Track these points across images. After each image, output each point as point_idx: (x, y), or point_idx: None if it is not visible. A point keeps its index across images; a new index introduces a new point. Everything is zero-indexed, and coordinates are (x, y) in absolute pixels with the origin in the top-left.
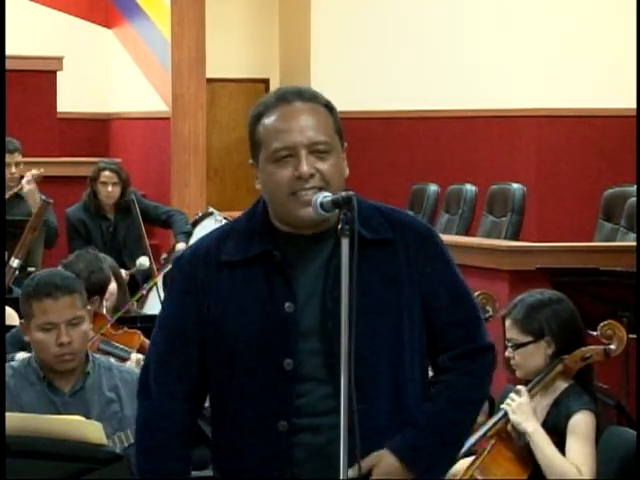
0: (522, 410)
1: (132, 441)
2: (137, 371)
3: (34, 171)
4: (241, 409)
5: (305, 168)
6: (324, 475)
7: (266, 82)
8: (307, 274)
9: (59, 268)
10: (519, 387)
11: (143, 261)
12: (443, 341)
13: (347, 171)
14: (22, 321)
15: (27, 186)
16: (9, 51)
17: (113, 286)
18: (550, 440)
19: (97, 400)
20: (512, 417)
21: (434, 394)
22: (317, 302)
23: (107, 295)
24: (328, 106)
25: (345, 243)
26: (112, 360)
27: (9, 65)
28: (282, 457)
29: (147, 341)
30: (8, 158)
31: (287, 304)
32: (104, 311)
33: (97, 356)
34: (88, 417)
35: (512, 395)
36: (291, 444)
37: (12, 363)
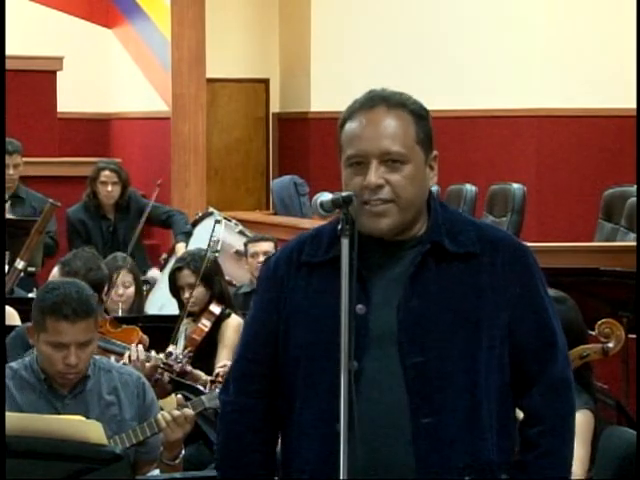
0: None
1: (134, 442)
2: (136, 373)
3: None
4: (305, 408)
5: (372, 179)
6: (379, 477)
7: (266, 82)
8: (384, 280)
9: (68, 278)
10: None
11: (154, 274)
12: (521, 362)
13: (432, 182)
14: (30, 325)
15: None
16: (9, 51)
17: (131, 290)
18: None
19: (96, 403)
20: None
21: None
22: (391, 309)
23: (124, 297)
24: (416, 113)
25: (345, 243)
26: (112, 360)
27: (9, 65)
28: (335, 460)
29: (145, 337)
30: (7, 159)
31: (359, 306)
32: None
33: (97, 357)
34: (86, 418)
35: None
36: (350, 447)
37: (12, 364)
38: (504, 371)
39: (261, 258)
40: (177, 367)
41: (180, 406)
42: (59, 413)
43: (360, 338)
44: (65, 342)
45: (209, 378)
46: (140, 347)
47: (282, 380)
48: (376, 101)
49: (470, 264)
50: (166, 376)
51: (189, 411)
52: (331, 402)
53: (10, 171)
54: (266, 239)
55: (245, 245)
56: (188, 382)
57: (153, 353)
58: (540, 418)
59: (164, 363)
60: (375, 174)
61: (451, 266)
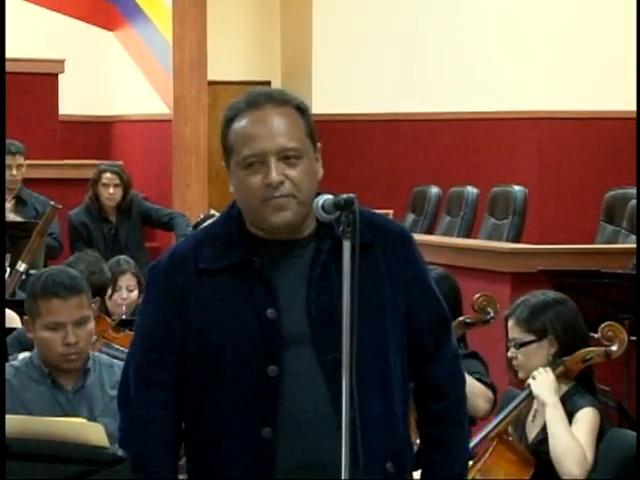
0: (545, 383)
1: None
2: None
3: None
4: (223, 416)
5: (274, 176)
6: None
7: (268, 84)
8: (287, 280)
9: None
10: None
11: None
12: (419, 341)
13: (321, 172)
14: (26, 318)
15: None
16: (10, 54)
17: (135, 294)
18: (566, 418)
19: (100, 397)
20: (534, 389)
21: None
22: (301, 310)
23: (128, 301)
24: (300, 108)
25: (347, 246)
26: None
27: (10, 68)
28: (265, 464)
29: None
30: (9, 160)
31: (269, 310)
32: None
33: (97, 354)
34: (92, 414)
35: (539, 369)
36: (275, 451)
37: (13, 362)
38: (404, 354)
39: None
40: None
41: None
42: (64, 408)
43: (274, 342)
44: (61, 321)
45: None
46: None
47: (193, 387)
48: (262, 100)
49: (367, 253)
50: None
51: None
52: (254, 407)
53: (13, 171)
54: None
55: None
56: None
57: None
58: (443, 393)
59: None
60: (276, 171)
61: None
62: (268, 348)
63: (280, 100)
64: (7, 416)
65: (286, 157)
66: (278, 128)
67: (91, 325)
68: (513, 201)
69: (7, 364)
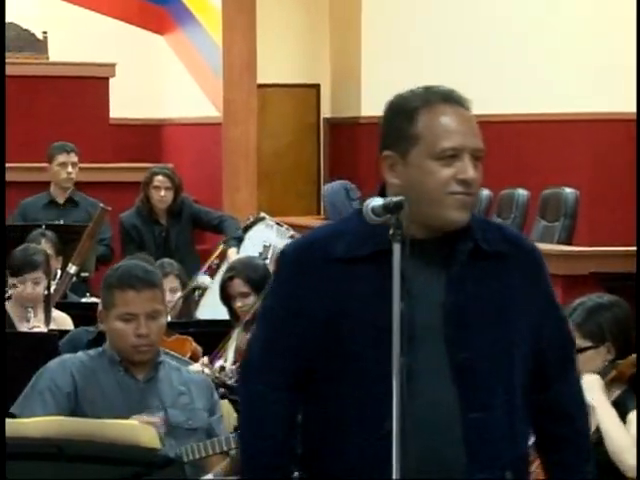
0: (592, 385)
1: (210, 453)
2: (196, 367)
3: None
4: (345, 406)
5: (472, 173)
6: (430, 476)
7: (317, 87)
8: (423, 276)
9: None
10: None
11: (204, 279)
12: (544, 361)
13: None
14: (100, 309)
15: None
16: (62, 58)
17: (178, 295)
18: (617, 415)
19: (169, 391)
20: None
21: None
22: (434, 306)
23: (172, 303)
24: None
25: (397, 248)
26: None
27: (62, 71)
28: (386, 457)
29: (199, 348)
30: (64, 157)
31: (401, 304)
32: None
33: (166, 356)
34: (162, 404)
35: (586, 375)
36: (400, 442)
37: (88, 352)
38: (526, 372)
39: None
40: (230, 382)
41: None
42: (135, 397)
43: (403, 335)
44: (134, 312)
45: None
46: (197, 366)
47: (319, 376)
48: (455, 97)
49: (500, 263)
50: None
51: None
52: (379, 400)
53: (69, 169)
54: None
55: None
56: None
57: (207, 370)
58: (569, 416)
59: (216, 378)
60: (472, 169)
61: (484, 264)
62: (398, 340)
63: (465, 101)
64: (60, 417)
65: (475, 157)
66: (475, 128)
67: (163, 320)
68: (564, 203)
69: (81, 352)
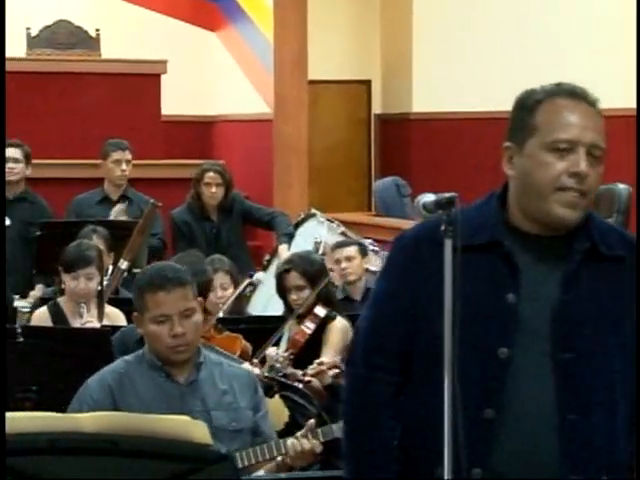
0: None
1: (260, 459)
2: (245, 367)
3: (122, 206)
4: (443, 394)
5: (584, 166)
6: (522, 471)
7: (368, 83)
8: (535, 271)
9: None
10: None
11: (259, 276)
12: None
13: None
14: (136, 314)
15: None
16: (114, 55)
17: (230, 292)
18: None
19: (212, 391)
20: None
21: None
22: (544, 303)
23: (224, 299)
24: (601, 116)
25: (448, 244)
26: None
27: (114, 69)
28: (484, 445)
29: (249, 346)
30: (119, 155)
31: (510, 295)
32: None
33: (206, 351)
34: (206, 407)
35: None
36: (495, 433)
37: (125, 357)
38: (632, 377)
39: (343, 264)
40: (278, 368)
41: (310, 432)
42: (177, 402)
43: (510, 326)
44: (167, 313)
45: (302, 372)
46: (247, 365)
47: (419, 361)
48: (579, 92)
49: (615, 267)
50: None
51: (320, 447)
52: (480, 386)
53: (123, 166)
54: (349, 243)
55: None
56: (289, 382)
57: (257, 370)
58: None
59: (266, 377)
60: (586, 164)
61: (600, 266)
62: (503, 331)
63: (592, 101)
64: (112, 413)
65: (592, 155)
66: (596, 124)
67: (198, 317)
68: (617, 199)
69: (119, 359)
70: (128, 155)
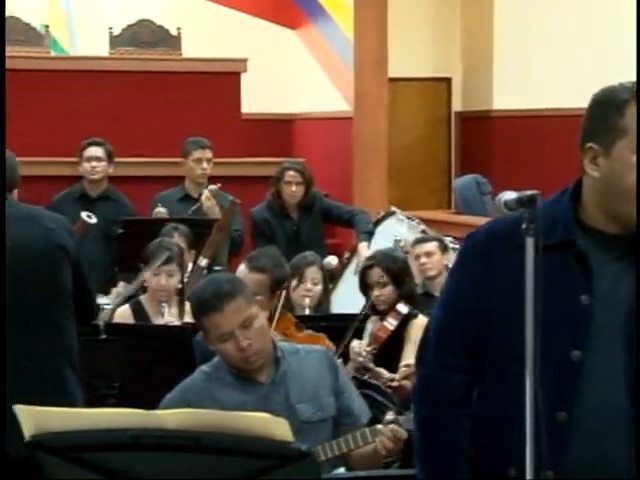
0: None
1: (344, 450)
2: (322, 348)
3: (211, 186)
4: (517, 394)
5: None
6: (592, 474)
7: (448, 81)
8: (609, 272)
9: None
10: None
11: (330, 260)
12: None
13: None
14: (201, 333)
15: (207, 202)
16: (194, 53)
17: (319, 288)
18: None
19: (293, 385)
20: None
21: None
22: (619, 304)
23: (312, 293)
24: None
25: (530, 242)
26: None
27: (194, 67)
28: (556, 448)
29: (332, 345)
30: (200, 154)
31: (584, 296)
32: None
33: (280, 343)
34: (289, 402)
35: None
36: (567, 436)
37: (203, 367)
38: None
39: (423, 259)
40: (360, 362)
41: (394, 420)
42: (260, 403)
43: (584, 328)
44: (226, 331)
45: (390, 376)
46: None
47: (492, 360)
48: None
49: None
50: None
51: (405, 433)
52: (552, 389)
53: (204, 164)
54: (429, 239)
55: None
56: (370, 381)
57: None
58: None
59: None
60: None
61: None
62: (576, 333)
63: None
64: (194, 410)
65: None
66: None
67: (260, 321)
68: None
69: (197, 372)
70: (209, 154)
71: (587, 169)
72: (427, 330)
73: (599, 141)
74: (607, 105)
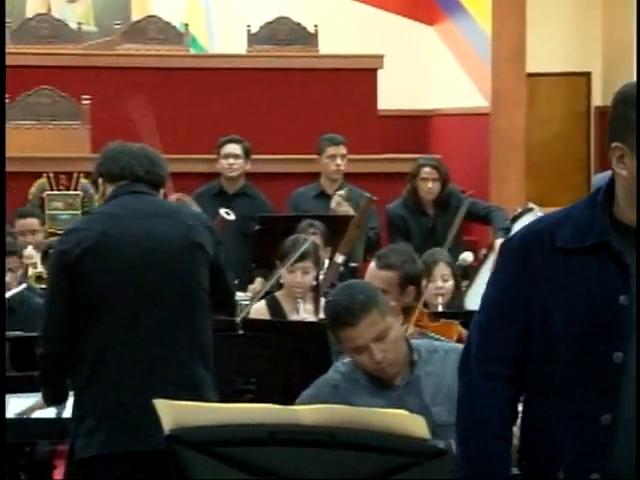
0: None
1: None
2: (460, 347)
3: (340, 191)
4: (560, 399)
5: None
6: (637, 477)
7: (587, 76)
8: None
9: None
10: None
11: (466, 256)
12: None
13: None
14: (335, 341)
15: (339, 208)
16: (330, 50)
17: (450, 284)
18: None
19: (428, 387)
20: None
21: None
22: None
23: (443, 291)
24: None
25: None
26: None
27: (330, 64)
28: (601, 452)
29: (465, 331)
30: (334, 150)
31: (622, 297)
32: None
33: (417, 342)
34: (423, 404)
35: None
36: (612, 439)
37: (339, 366)
38: None
39: None
40: None
41: None
42: (396, 405)
43: (625, 329)
44: (361, 345)
45: None
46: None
47: (533, 365)
48: None
49: None
50: None
51: None
52: (595, 392)
53: (338, 161)
54: None
55: None
56: None
57: None
58: None
59: None
60: None
61: None
62: (617, 334)
63: None
64: (331, 405)
65: None
66: None
67: (395, 332)
68: None
69: (332, 370)
70: (343, 150)
71: (615, 168)
72: (469, 337)
73: (624, 140)
74: (628, 104)
